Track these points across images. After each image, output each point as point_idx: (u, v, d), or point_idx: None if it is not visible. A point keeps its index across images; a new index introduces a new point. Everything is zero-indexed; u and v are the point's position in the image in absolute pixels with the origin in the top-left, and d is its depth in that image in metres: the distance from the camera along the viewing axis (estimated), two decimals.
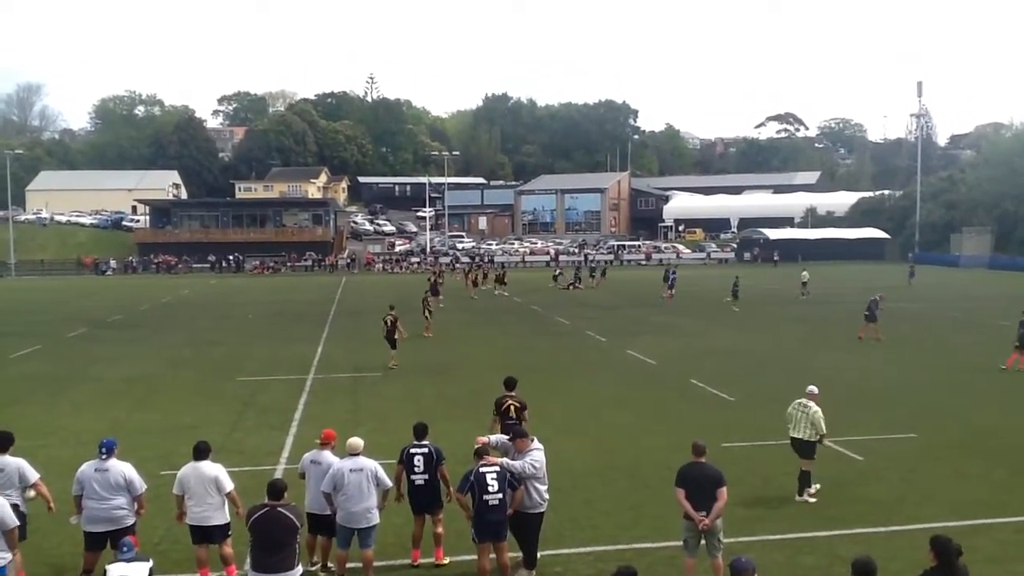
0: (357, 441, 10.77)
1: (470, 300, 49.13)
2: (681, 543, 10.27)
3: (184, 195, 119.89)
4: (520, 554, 10.67)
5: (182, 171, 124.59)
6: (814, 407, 13.35)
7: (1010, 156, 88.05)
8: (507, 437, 11.14)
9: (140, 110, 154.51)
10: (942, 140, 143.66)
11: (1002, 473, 14.78)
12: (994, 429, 17.84)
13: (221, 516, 10.29)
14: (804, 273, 50.35)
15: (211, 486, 10.22)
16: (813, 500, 13.21)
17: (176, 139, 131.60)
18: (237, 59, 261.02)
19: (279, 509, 8.90)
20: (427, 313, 33.61)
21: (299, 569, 8.95)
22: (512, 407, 13.19)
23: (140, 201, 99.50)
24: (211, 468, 10.33)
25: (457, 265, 79.15)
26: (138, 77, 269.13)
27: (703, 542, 10.08)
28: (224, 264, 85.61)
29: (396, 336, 25.97)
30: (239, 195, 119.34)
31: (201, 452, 10.43)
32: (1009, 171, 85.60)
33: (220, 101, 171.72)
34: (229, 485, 10.31)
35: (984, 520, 12.38)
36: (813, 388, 13.79)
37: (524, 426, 12.41)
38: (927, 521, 11.88)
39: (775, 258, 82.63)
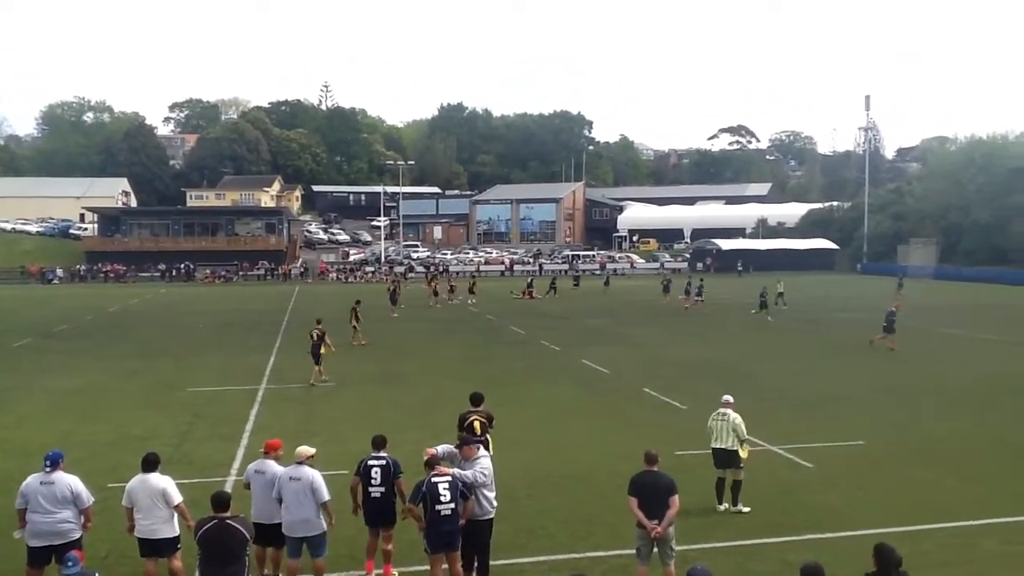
0: (303, 449, 10.68)
1: (426, 309, 48.99)
2: (634, 551, 10.32)
3: (134, 203, 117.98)
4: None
5: (132, 179, 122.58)
6: (733, 415, 13.41)
7: (955, 169, 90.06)
8: (453, 446, 11.11)
9: (89, 116, 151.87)
10: (889, 153, 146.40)
11: (947, 479, 15.08)
12: (940, 436, 18.21)
13: (170, 529, 10.12)
14: (780, 284, 50.61)
15: (159, 499, 10.05)
16: (747, 510, 13.24)
17: (126, 146, 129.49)
18: (189, 65, 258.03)
19: (228, 522, 8.78)
20: (355, 323, 33.33)
21: None
22: (477, 423, 12.80)
23: (88, 209, 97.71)
24: (159, 480, 10.16)
25: (411, 274, 78.92)
26: (87, 83, 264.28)
27: (656, 550, 10.15)
28: (175, 273, 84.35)
29: (322, 351, 24.98)
30: (190, 203, 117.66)
31: (149, 464, 10.26)
32: (954, 184, 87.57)
33: (171, 108, 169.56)
34: (177, 498, 10.15)
35: (930, 525, 12.61)
36: (728, 397, 13.83)
37: (488, 447, 12.40)
38: (875, 527, 12.08)
39: (739, 268, 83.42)
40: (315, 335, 25.30)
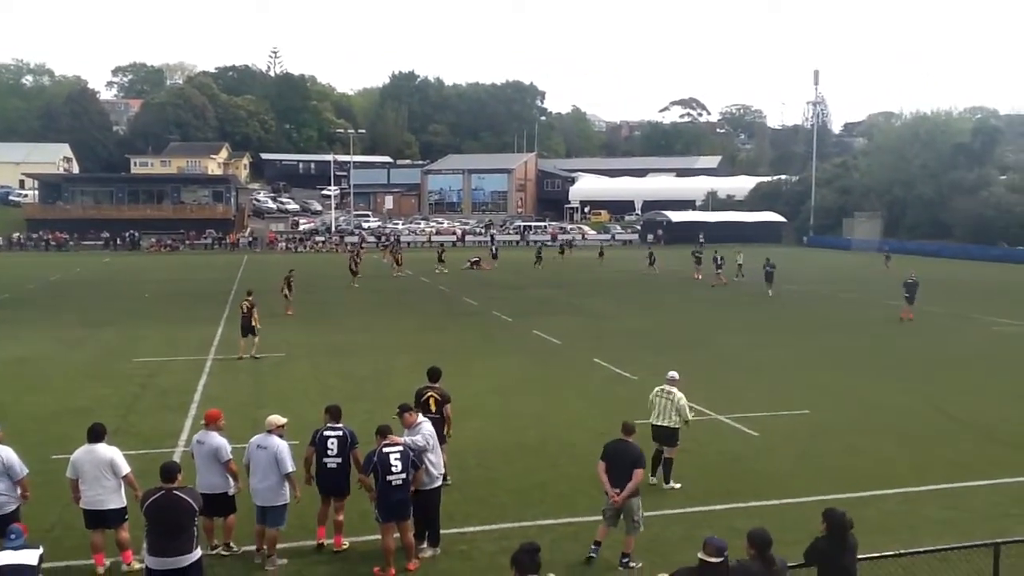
0: (272, 418, 10.73)
1: (378, 280, 48.56)
2: (601, 514, 10.56)
3: (76, 169, 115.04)
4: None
5: (74, 145, 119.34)
6: (678, 393, 13.22)
7: (900, 144, 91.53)
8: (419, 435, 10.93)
9: (28, 80, 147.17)
10: (837, 128, 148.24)
11: (889, 447, 15.46)
12: (881, 405, 18.63)
13: (117, 500, 10.01)
14: (740, 255, 50.97)
15: (106, 469, 9.93)
16: (678, 486, 13.23)
17: (67, 111, 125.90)
18: (133, 29, 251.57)
19: (175, 492, 8.69)
20: (286, 292, 32.95)
21: (197, 552, 8.76)
22: (433, 399, 12.49)
23: (28, 175, 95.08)
24: (106, 451, 10.03)
25: (364, 245, 78.13)
26: (25, 45, 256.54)
27: (622, 518, 10.39)
28: (119, 242, 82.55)
29: (252, 323, 24.12)
30: (135, 170, 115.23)
31: (96, 434, 10.11)
32: (899, 158, 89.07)
33: (114, 72, 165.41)
34: (125, 468, 10.04)
35: (872, 492, 12.95)
36: (674, 374, 13.62)
37: (447, 422, 12.33)
38: (819, 494, 12.35)
39: (701, 240, 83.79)
40: (245, 307, 24.53)
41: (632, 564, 10.22)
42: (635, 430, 10.85)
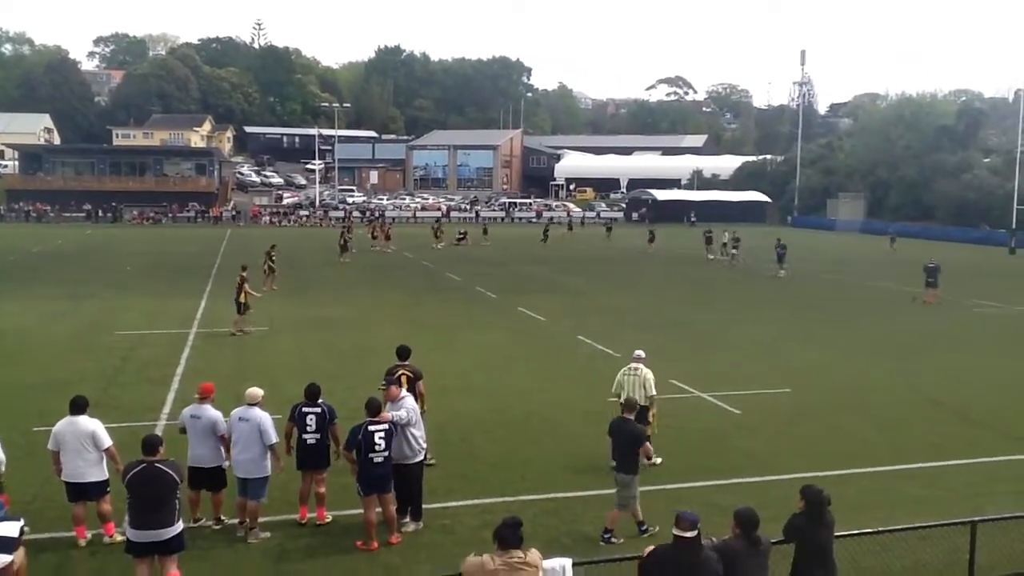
0: (253, 391, 10.71)
1: (363, 254, 48.36)
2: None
3: (57, 140, 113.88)
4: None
5: (55, 115, 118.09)
6: (645, 371, 13.15)
7: (884, 125, 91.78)
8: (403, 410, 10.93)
9: (7, 48, 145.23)
10: (822, 108, 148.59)
11: (868, 426, 15.61)
12: (863, 385, 18.77)
13: (98, 472, 9.99)
14: (725, 234, 50.88)
15: (87, 441, 9.90)
16: (659, 461, 13.09)
17: (48, 81, 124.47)
18: None
19: (157, 465, 8.66)
20: (267, 268, 32.53)
21: (180, 525, 8.76)
22: (405, 377, 12.33)
23: (8, 146, 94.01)
24: (88, 423, 10.01)
25: (355, 217, 77.68)
26: (4, 13, 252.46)
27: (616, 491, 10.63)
28: (100, 214, 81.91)
29: (242, 298, 23.75)
30: (117, 142, 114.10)
31: (78, 406, 10.10)
32: (883, 140, 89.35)
33: (96, 42, 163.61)
34: (107, 441, 10.02)
35: (851, 470, 13.07)
36: (640, 352, 13.57)
37: (420, 399, 12.17)
38: (799, 472, 12.46)
39: (692, 219, 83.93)
40: (237, 281, 24.31)
41: (614, 540, 10.30)
42: (636, 407, 11.19)
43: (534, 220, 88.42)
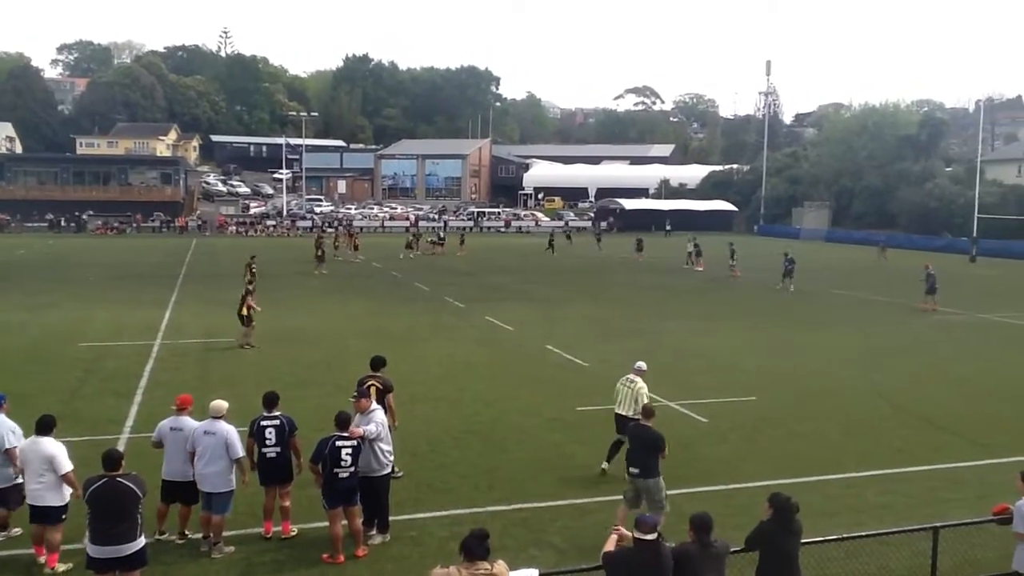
0: (218, 404, 10.58)
1: (329, 265, 48.04)
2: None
3: (19, 149, 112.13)
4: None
5: (17, 123, 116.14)
6: (640, 383, 13.20)
7: (848, 135, 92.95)
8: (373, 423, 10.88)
9: None
10: (788, 118, 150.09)
11: (833, 433, 15.76)
12: (826, 392, 18.97)
13: (55, 497, 9.66)
14: (688, 244, 51.08)
15: (45, 464, 9.63)
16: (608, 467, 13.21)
17: (10, 88, 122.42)
18: (79, 5, 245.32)
19: (118, 479, 8.54)
20: (247, 280, 31.89)
21: (141, 540, 8.64)
22: (374, 388, 12.18)
23: None
24: (50, 446, 9.71)
25: (328, 229, 76.83)
26: None
27: (643, 500, 10.72)
28: (64, 224, 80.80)
29: (244, 312, 23.22)
30: (81, 151, 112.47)
31: (44, 427, 9.83)
32: (847, 149, 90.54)
33: (60, 50, 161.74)
34: (66, 466, 9.67)
35: (816, 477, 13.19)
36: (641, 364, 13.61)
37: (391, 412, 12.14)
38: (765, 479, 12.55)
39: (667, 228, 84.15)
40: (243, 293, 23.98)
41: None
42: (654, 413, 11.37)
43: (502, 230, 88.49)
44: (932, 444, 15.17)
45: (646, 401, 13.00)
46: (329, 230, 70.43)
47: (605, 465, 13.22)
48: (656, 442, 10.75)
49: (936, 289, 32.37)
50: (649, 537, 7.05)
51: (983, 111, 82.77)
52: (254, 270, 32.58)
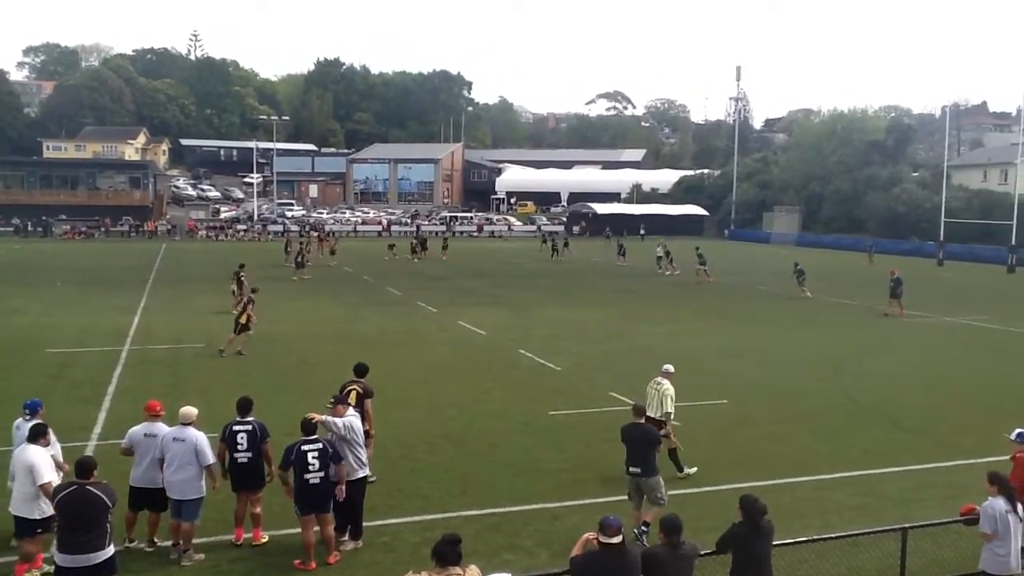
0: (188, 410, 10.50)
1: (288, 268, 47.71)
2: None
3: None
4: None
5: None
6: (667, 385, 13.31)
7: (818, 140, 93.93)
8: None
9: None
10: (758, 123, 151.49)
11: (803, 435, 15.90)
12: (796, 394, 19.13)
13: (30, 510, 9.47)
14: (658, 248, 51.39)
15: (27, 473, 9.45)
16: (694, 470, 13.51)
17: None
18: (45, 7, 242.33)
19: (87, 487, 8.43)
20: (234, 289, 30.81)
21: (111, 549, 8.53)
22: (355, 392, 12.28)
23: None
24: (33, 454, 9.52)
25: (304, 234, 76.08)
26: None
27: (645, 497, 10.99)
28: (30, 228, 79.72)
29: (243, 320, 22.96)
30: (47, 155, 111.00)
31: (33, 435, 9.74)
32: (816, 154, 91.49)
33: (26, 52, 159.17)
34: (44, 476, 9.41)
35: (787, 479, 13.30)
36: (669, 367, 13.72)
37: (368, 418, 12.17)
38: (736, 482, 12.62)
39: (641, 232, 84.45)
40: (247, 301, 23.82)
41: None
42: (645, 412, 11.65)
43: (475, 234, 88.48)
44: (900, 446, 15.34)
45: (670, 403, 13.24)
46: (302, 236, 69.95)
47: (685, 471, 13.46)
48: (654, 438, 11.10)
49: (902, 294, 32.62)
50: (614, 540, 7.07)
51: (949, 117, 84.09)
52: (242, 279, 31.21)
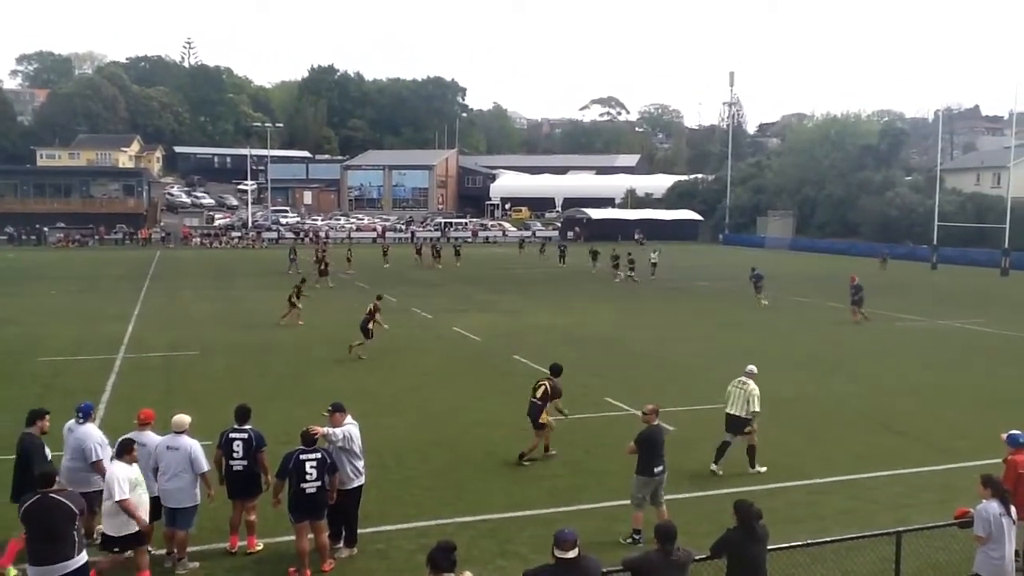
0: (181, 418, 10.50)
1: (295, 277, 47.64)
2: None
3: None
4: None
5: None
6: (752, 385, 13.78)
7: (811, 145, 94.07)
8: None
9: None
10: (751, 128, 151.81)
11: (796, 440, 15.91)
12: (790, 399, 19.13)
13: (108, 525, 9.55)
14: (653, 254, 51.36)
15: (106, 489, 9.47)
16: (764, 469, 13.83)
17: None
18: (39, 15, 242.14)
19: (52, 495, 8.35)
20: (294, 300, 30.17)
21: (82, 557, 8.44)
22: (544, 388, 14.42)
23: None
24: (115, 471, 9.49)
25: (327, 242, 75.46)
26: None
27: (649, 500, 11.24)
28: (24, 237, 79.61)
29: (371, 325, 23.61)
30: (41, 163, 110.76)
31: (120, 451, 9.78)
32: (810, 159, 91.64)
33: (19, 60, 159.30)
34: (117, 494, 9.33)
35: (782, 484, 13.30)
36: (752, 368, 14.23)
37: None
38: (731, 487, 12.65)
39: (637, 237, 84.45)
40: (371, 308, 24.20)
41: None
42: (658, 412, 11.99)
43: (470, 240, 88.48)
44: (894, 450, 15.35)
45: (756, 403, 13.68)
46: (287, 239, 69.84)
47: (715, 467, 13.73)
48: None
49: (861, 300, 31.83)
50: (570, 555, 6.82)
51: (942, 121, 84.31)
52: (301, 293, 30.72)
